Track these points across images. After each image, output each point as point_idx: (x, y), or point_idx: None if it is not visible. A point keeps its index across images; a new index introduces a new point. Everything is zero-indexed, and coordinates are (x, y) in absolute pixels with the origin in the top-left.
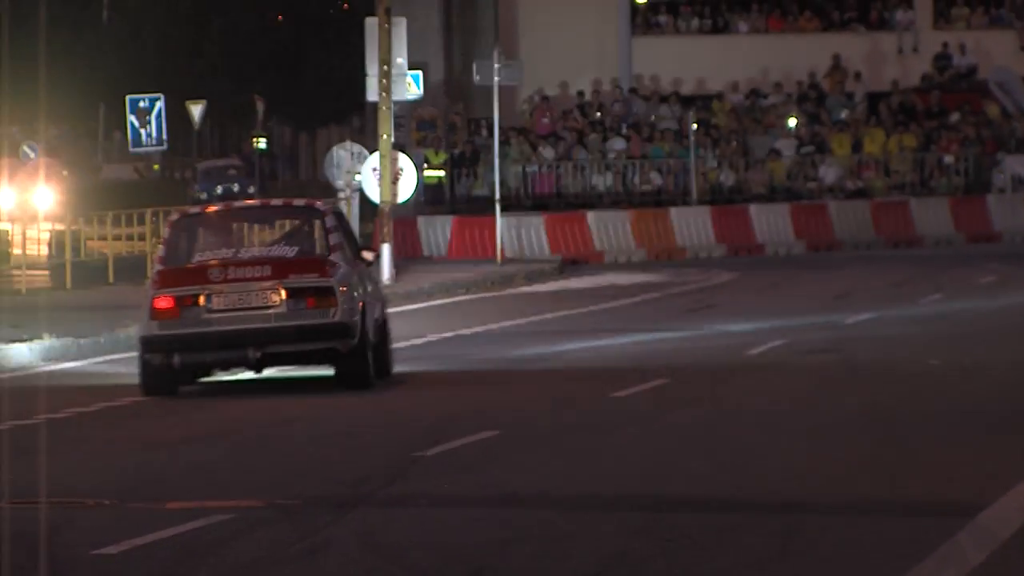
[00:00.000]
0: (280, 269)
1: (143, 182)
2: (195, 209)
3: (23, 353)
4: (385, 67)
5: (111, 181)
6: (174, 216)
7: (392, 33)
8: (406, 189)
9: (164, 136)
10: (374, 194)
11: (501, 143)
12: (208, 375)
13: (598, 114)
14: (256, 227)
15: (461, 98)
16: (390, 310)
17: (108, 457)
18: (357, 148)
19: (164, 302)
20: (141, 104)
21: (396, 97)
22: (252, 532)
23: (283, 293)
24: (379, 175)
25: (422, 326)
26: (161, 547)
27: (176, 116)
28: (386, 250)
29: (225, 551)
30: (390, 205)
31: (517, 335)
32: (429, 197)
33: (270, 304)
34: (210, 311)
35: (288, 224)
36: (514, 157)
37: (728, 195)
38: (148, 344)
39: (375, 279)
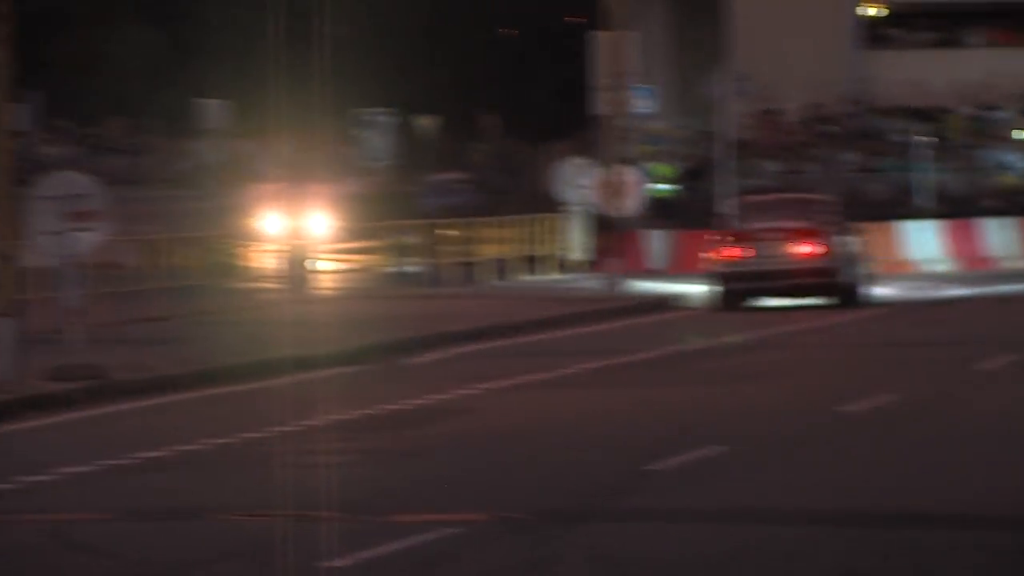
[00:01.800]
0: (799, 234)
1: (373, 196)
2: (752, 198)
3: None
4: (613, 81)
5: (341, 195)
6: (738, 200)
7: (621, 47)
8: (633, 202)
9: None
10: (601, 207)
11: (728, 156)
12: (755, 299)
13: (829, 127)
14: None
15: (689, 112)
16: None
17: (340, 468)
18: (585, 162)
19: (733, 252)
20: (371, 118)
21: (624, 111)
22: (481, 546)
23: (802, 248)
24: (606, 189)
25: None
26: (390, 561)
27: (406, 130)
28: (612, 263)
29: (453, 565)
30: (617, 218)
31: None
32: (656, 210)
33: (793, 256)
34: (758, 258)
35: (804, 207)
36: (740, 170)
37: (958, 208)
38: (723, 277)
39: (854, 244)
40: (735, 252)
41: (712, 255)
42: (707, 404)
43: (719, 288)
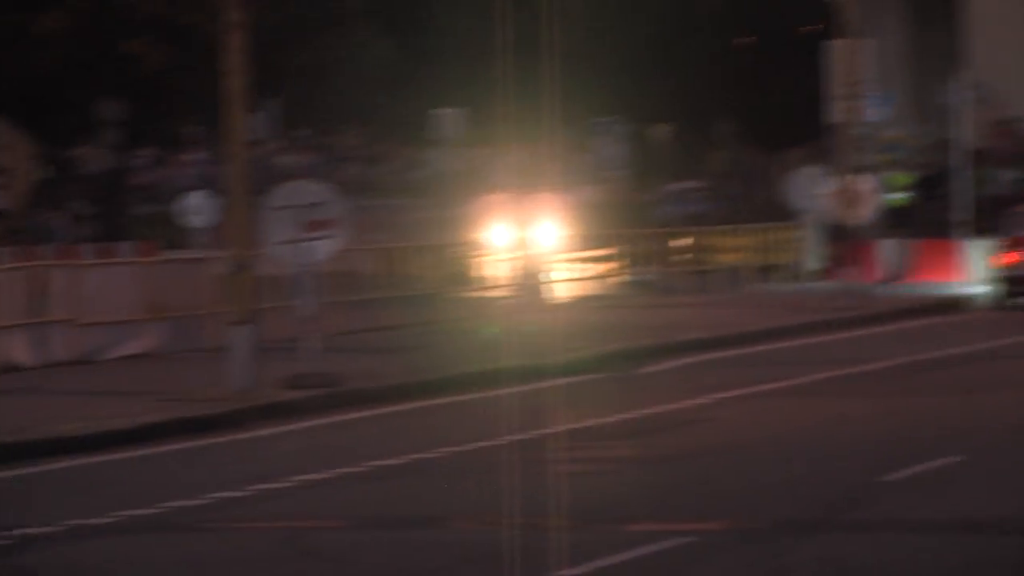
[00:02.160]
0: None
1: (608, 204)
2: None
3: None
4: (848, 89)
5: (575, 204)
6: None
7: (856, 55)
8: (868, 211)
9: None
10: (836, 216)
11: (965, 165)
12: None
13: None
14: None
15: (924, 119)
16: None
17: (572, 477)
18: (820, 170)
19: (1012, 257)
20: (606, 127)
21: (859, 119)
22: (713, 555)
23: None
24: (841, 197)
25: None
26: (621, 569)
27: (643, 137)
28: (846, 272)
29: (686, 574)
30: (851, 227)
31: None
32: (892, 220)
33: None
34: None
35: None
36: (976, 179)
37: None
38: (1005, 280)
39: None
40: (1013, 257)
41: (994, 260)
42: (943, 413)
43: (1001, 290)
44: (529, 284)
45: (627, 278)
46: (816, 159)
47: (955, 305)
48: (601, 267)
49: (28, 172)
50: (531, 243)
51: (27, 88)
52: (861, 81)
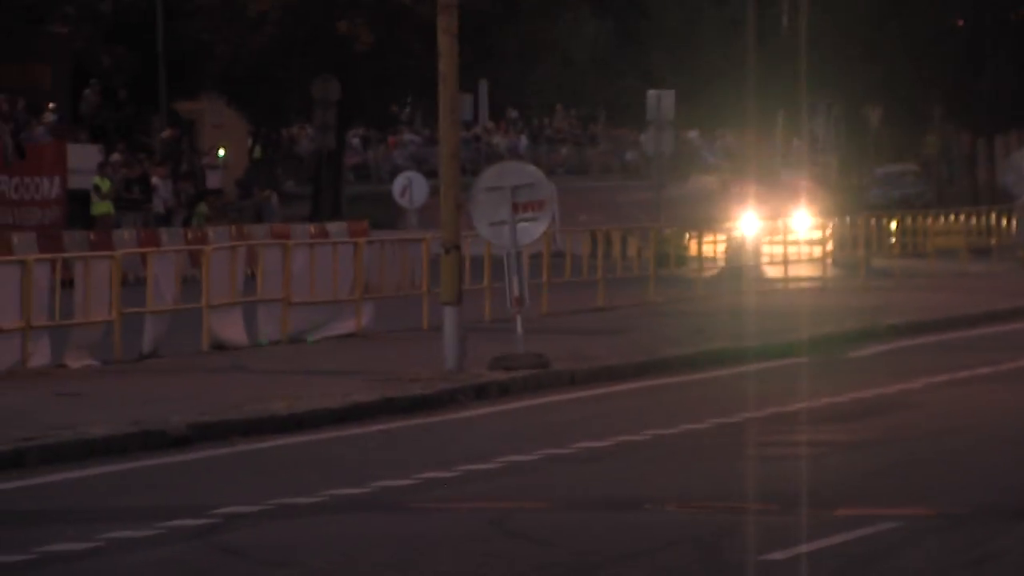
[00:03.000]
0: None
1: (821, 187)
2: None
3: None
4: None
5: (788, 187)
6: None
7: None
8: None
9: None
10: None
11: None
12: None
13: None
14: None
15: None
16: None
17: (779, 461)
18: None
19: None
20: (818, 110)
21: None
22: (919, 541)
23: None
24: None
25: None
26: (827, 554)
27: (854, 120)
28: None
29: (890, 560)
30: None
31: None
32: None
33: None
34: None
35: None
36: None
37: None
38: None
39: None
40: None
41: None
42: None
43: None
44: (741, 266)
45: (838, 260)
46: None
47: None
48: (813, 249)
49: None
50: (743, 224)
51: (242, 68)
52: None
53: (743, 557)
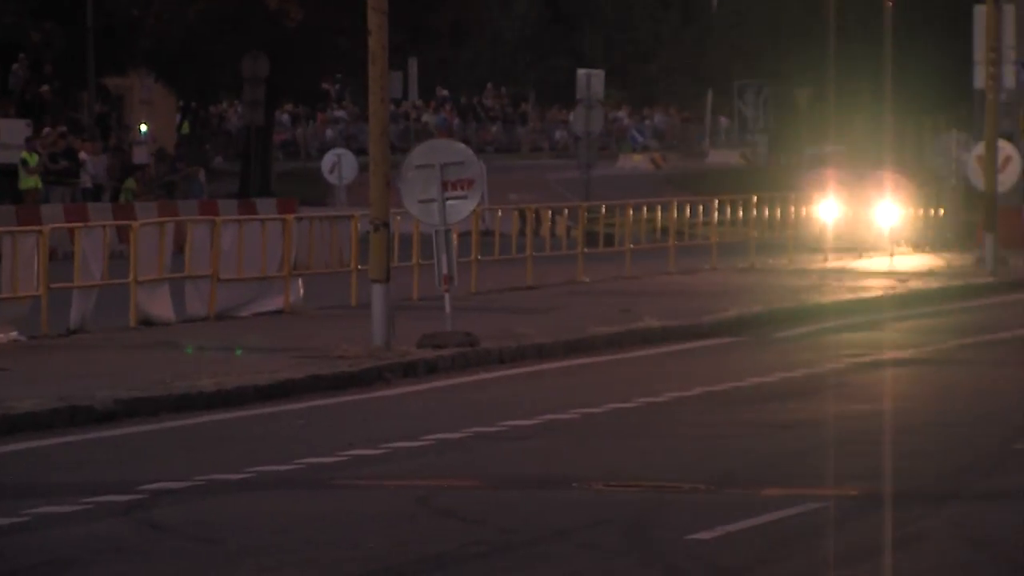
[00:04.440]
0: None
1: (749, 169)
2: None
3: None
4: (992, 55)
5: (717, 167)
6: None
7: (1001, 20)
8: (1011, 178)
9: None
10: (979, 183)
11: None
12: None
13: None
14: None
15: None
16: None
17: (706, 440)
18: (963, 137)
19: None
20: (748, 90)
21: (1004, 85)
22: (845, 521)
23: None
24: (984, 164)
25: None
26: (754, 534)
27: (782, 102)
28: (989, 239)
29: (818, 539)
30: (994, 194)
31: None
32: None
33: None
34: None
35: None
36: None
37: None
38: None
39: None
40: None
41: None
42: None
43: None
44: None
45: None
46: (961, 124)
47: None
48: (737, 230)
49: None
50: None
51: (171, 44)
52: (1004, 47)
53: (670, 536)
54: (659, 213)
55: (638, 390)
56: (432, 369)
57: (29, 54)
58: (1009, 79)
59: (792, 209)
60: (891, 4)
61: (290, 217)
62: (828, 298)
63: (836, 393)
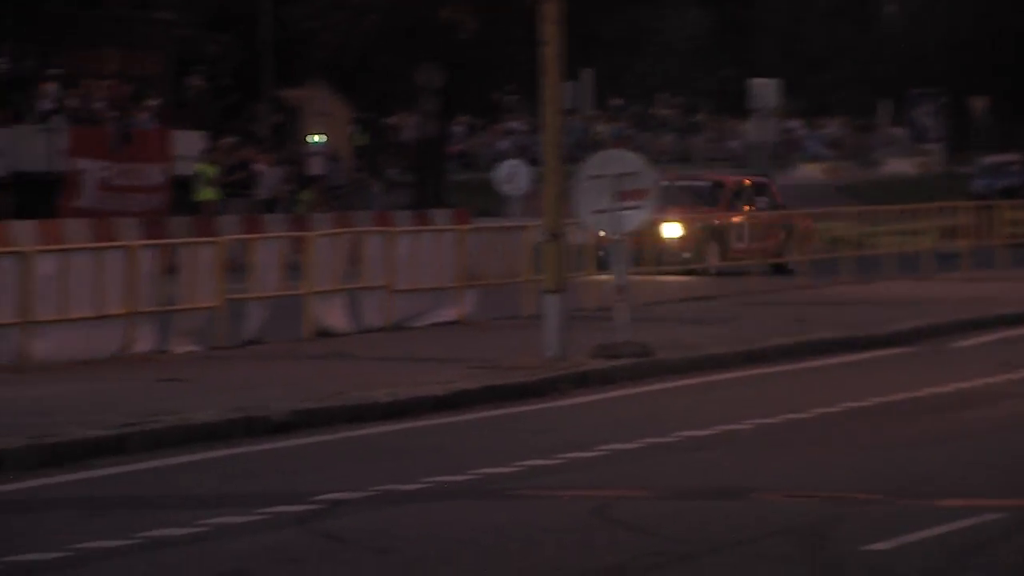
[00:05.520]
0: None
1: (924, 177)
2: None
3: None
4: None
5: (891, 176)
6: None
7: None
8: None
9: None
10: None
11: None
12: None
13: None
14: None
15: None
16: None
17: (882, 451)
18: None
19: None
20: (923, 99)
21: None
22: (1022, 533)
23: None
24: None
25: None
26: (930, 544)
27: (959, 111)
28: None
29: (995, 551)
30: None
31: None
32: None
33: None
34: None
35: None
36: None
37: None
38: None
39: None
40: None
41: None
42: None
43: None
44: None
45: (940, 251)
46: None
47: None
48: (914, 239)
49: (346, 139)
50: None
51: (346, 56)
52: None
53: (846, 547)
54: (834, 223)
55: (813, 401)
56: (606, 380)
57: (206, 67)
58: None
59: (968, 218)
60: None
61: (464, 228)
62: (1008, 309)
63: (1014, 404)
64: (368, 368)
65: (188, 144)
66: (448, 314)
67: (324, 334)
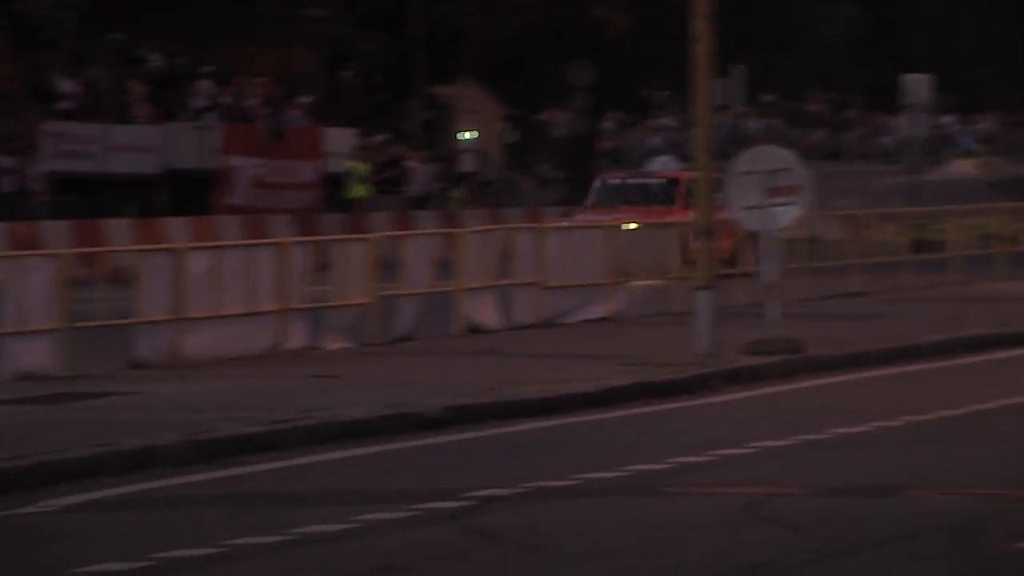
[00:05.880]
0: None
1: None
2: None
3: None
4: None
5: None
6: None
7: None
8: None
9: None
10: None
11: None
12: None
13: None
14: None
15: None
16: None
17: None
18: None
19: None
20: None
21: None
22: None
23: None
24: None
25: None
26: None
27: None
28: None
29: None
30: None
31: None
32: None
33: None
34: None
35: None
36: None
37: None
38: None
39: None
40: None
41: None
42: None
43: None
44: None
45: None
46: None
47: None
48: None
49: (497, 136)
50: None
51: (497, 53)
52: None
53: (1000, 545)
54: (987, 219)
55: (967, 397)
56: (758, 376)
57: (358, 64)
58: None
59: None
60: None
61: (615, 224)
62: None
63: None
64: (519, 364)
65: (340, 141)
66: (598, 310)
67: (475, 330)
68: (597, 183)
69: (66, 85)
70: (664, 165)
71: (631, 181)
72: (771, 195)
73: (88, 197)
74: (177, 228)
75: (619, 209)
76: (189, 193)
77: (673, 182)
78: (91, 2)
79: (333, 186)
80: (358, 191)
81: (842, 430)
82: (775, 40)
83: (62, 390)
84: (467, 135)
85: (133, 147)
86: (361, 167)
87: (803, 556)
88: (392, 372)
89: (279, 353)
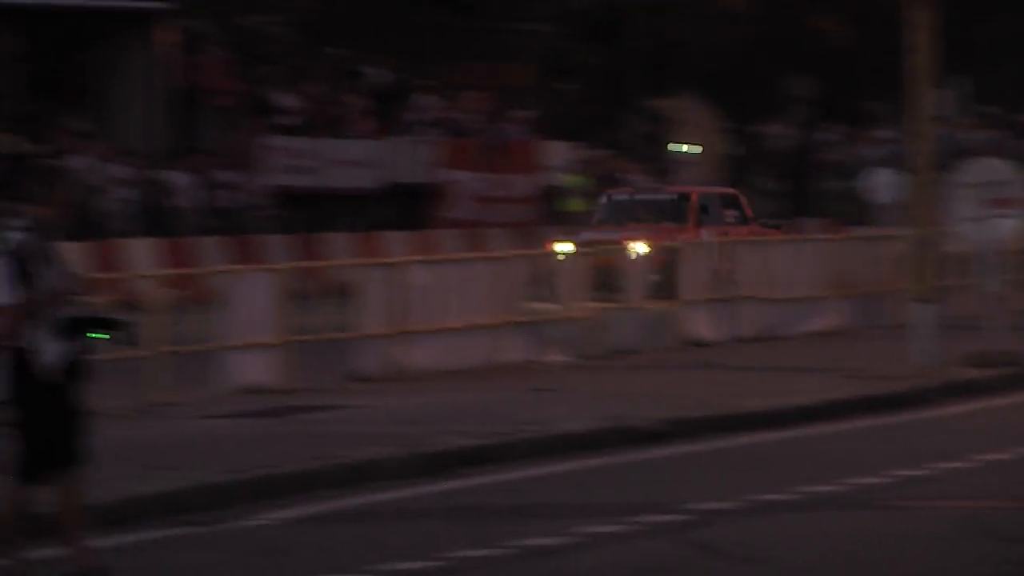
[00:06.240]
0: None
1: None
2: None
3: None
4: None
5: None
6: None
7: None
8: None
9: None
10: None
11: None
12: None
13: None
14: None
15: None
16: None
17: None
18: None
19: None
20: None
21: None
22: None
23: None
24: None
25: None
26: None
27: None
28: None
29: None
30: None
31: None
32: None
33: None
34: None
35: None
36: None
37: None
38: None
39: None
40: None
41: None
42: None
43: None
44: None
45: None
46: None
47: None
48: None
49: (716, 148)
50: None
51: (715, 65)
52: None
53: None
54: None
55: None
56: (978, 389)
57: (576, 77)
58: None
59: None
60: None
61: (835, 237)
62: None
63: None
64: (737, 377)
65: (557, 155)
66: (818, 323)
67: (694, 344)
68: (603, 199)
69: (287, 100)
70: (882, 177)
71: (639, 198)
72: (989, 207)
73: (309, 211)
74: (396, 242)
75: (627, 226)
76: (408, 207)
77: (684, 198)
78: (315, 19)
79: (551, 200)
80: (575, 205)
81: None
82: (1001, 49)
83: (283, 403)
84: (684, 148)
85: (353, 161)
86: (578, 180)
87: (1018, 569)
88: (611, 385)
89: (497, 366)
